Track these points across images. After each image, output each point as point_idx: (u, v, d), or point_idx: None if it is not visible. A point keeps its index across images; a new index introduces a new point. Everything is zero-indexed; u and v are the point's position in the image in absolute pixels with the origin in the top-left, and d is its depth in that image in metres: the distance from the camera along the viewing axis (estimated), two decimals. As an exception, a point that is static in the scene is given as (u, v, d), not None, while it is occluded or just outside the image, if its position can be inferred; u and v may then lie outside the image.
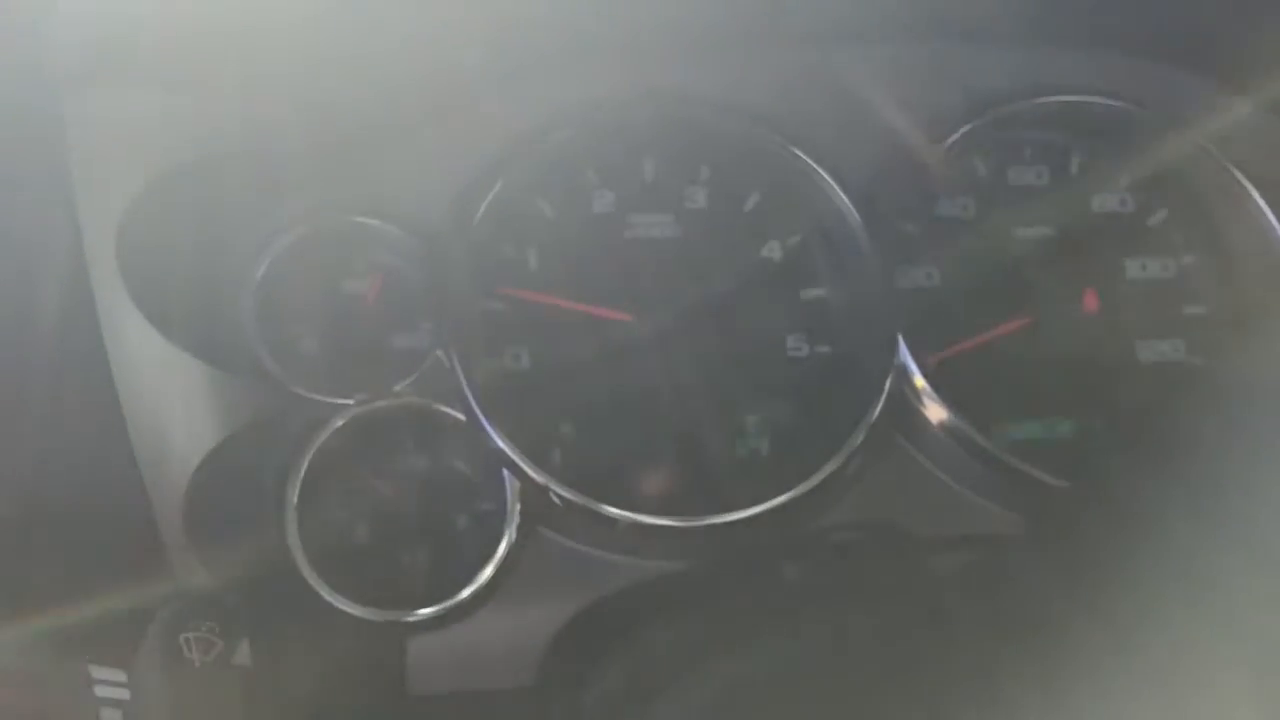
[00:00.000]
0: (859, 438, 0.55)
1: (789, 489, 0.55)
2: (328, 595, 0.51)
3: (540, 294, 0.59)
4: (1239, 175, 0.60)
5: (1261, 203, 0.59)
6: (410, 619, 0.51)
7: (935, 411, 0.56)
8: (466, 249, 0.57)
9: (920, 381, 0.56)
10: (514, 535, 0.53)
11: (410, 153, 0.57)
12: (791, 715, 0.37)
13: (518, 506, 0.53)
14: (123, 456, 0.47)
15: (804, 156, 0.59)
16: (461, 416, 0.54)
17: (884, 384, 0.56)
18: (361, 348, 0.57)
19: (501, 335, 0.59)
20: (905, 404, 0.56)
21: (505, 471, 0.54)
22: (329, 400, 0.54)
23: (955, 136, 0.60)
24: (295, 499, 0.52)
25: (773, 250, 0.61)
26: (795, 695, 0.38)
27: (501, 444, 0.53)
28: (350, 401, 0.54)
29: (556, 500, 0.53)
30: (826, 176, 0.59)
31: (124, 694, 0.31)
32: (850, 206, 0.58)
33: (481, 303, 0.58)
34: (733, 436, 0.58)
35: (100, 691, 0.31)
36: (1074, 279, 0.62)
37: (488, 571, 0.52)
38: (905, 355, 0.56)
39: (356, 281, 0.58)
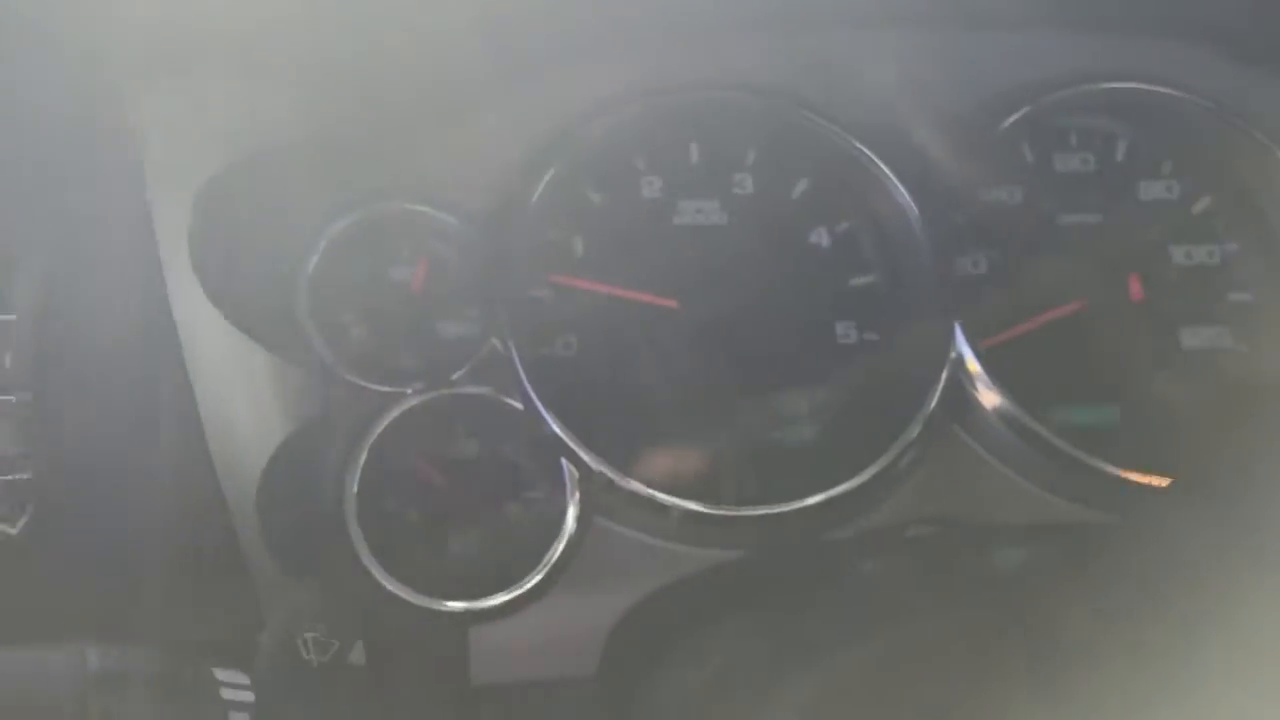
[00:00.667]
0: (916, 426, 0.55)
1: (843, 479, 0.55)
2: (391, 586, 0.50)
3: (589, 281, 0.59)
4: (1285, 159, 0.60)
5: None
6: (476, 608, 0.51)
7: (989, 397, 0.56)
8: (519, 236, 0.56)
9: (975, 366, 0.56)
10: (574, 524, 0.53)
11: (461, 140, 0.57)
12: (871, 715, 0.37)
13: (576, 495, 0.53)
14: (200, 453, 0.46)
15: (855, 142, 0.59)
16: (519, 405, 0.54)
17: (941, 372, 0.56)
18: (410, 336, 0.57)
19: (551, 323, 0.58)
20: (959, 390, 0.56)
21: (563, 460, 0.54)
22: (387, 390, 0.54)
23: (1006, 123, 0.60)
24: (355, 490, 0.52)
25: (821, 237, 0.61)
26: (876, 696, 0.38)
27: (560, 432, 0.53)
28: (408, 391, 0.54)
29: (613, 488, 0.53)
30: (879, 162, 0.58)
31: (249, 696, 0.31)
32: (904, 193, 0.58)
33: (531, 290, 0.58)
34: (783, 425, 0.58)
35: (226, 694, 0.31)
36: (1120, 265, 0.62)
37: (552, 559, 0.52)
38: (961, 341, 0.56)
39: (404, 269, 0.58)
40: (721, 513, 0.53)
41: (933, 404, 0.56)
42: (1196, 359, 0.61)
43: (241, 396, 0.49)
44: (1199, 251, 0.63)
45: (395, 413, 0.53)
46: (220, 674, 0.31)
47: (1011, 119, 0.60)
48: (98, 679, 0.29)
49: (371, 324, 0.57)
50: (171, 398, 0.47)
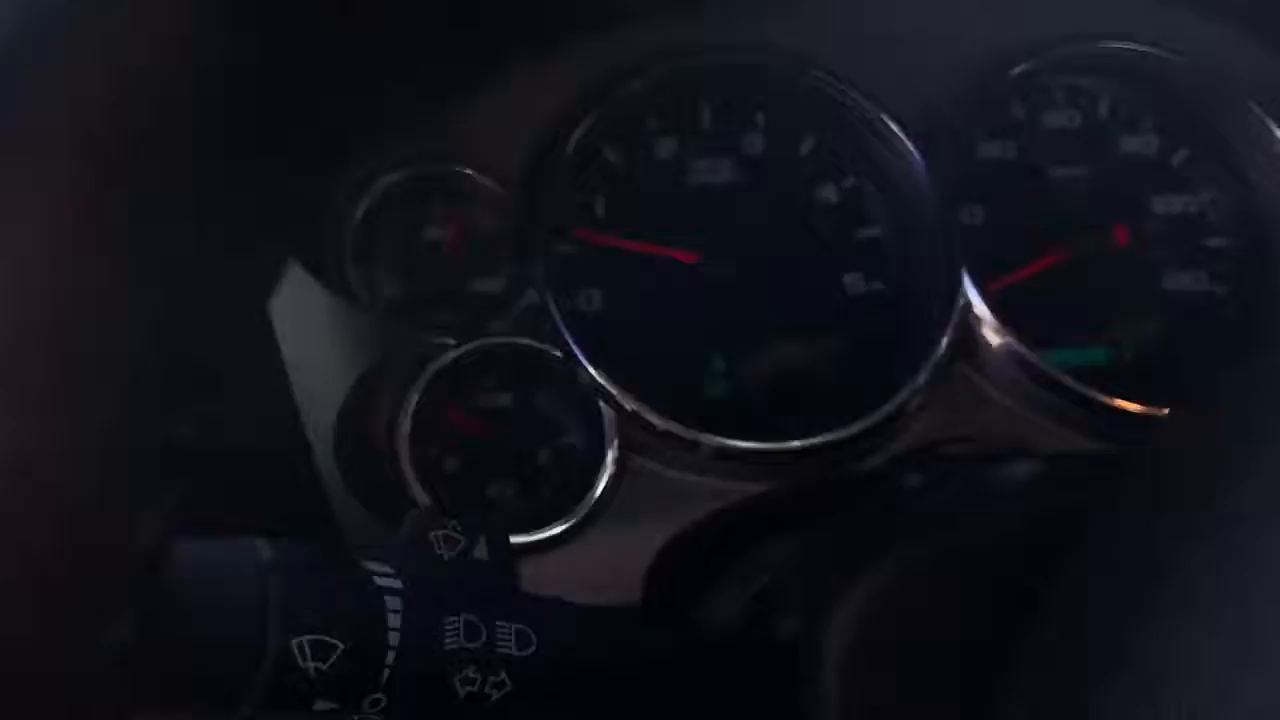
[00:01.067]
0: (928, 366, 0.59)
1: (859, 418, 0.58)
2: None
3: (610, 237, 0.62)
4: (1260, 113, 0.64)
5: (1280, 138, 0.64)
6: (525, 542, 0.54)
7: (996, 337, 0.59)
8: (550, 194, 0.59)
9: (983, 309, 0.59)
10: (613, 464, 0.56)
11: (490, 103, 0.59)
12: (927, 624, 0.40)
13: (615, 438, 0.56)
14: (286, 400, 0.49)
15: (859, 99, 0.62)
16: (557, 353, 0.57)
17: (950, 314, 0.59)
18: (443, 293, 0.60)
19: (576, 278, 0.61)
20: (967, 332, 0.60)
21: (601, 404, 0.56)
22: (433, 340, 0.56)
23: (1006, 78, 0.63)
24: (407, 432, 0.55)
25: (828, 193, 0.64)
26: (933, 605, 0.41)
27: (598, 377, 0.56)
28: (451, 342, 0.56)
29: (649, 429, 0.56)
30: (884, 118, 0.62)
31: (397, 583, 0.34)
32: (910, 145, 0.61)
33: (561, 247, 0.61)
34: (801, 369, 0.62)
35: (380, 581, 0.34)
36: (1106, 215, 0.66)
37: (594, 495, 0.55)
38: (969, 286, 0.60)
39: (435, 228, 0.61)
40: (747, 447, 0.57)
41: (943, 345, 0.59)
42: (1179, 300, 0.66)
43: (316, 343, 0.52)
44: (1178, 201, 0.67)
45: (442, 361, 0.56)
46: (371, 565, 0.34)
47: (1012, 74, 0.63)
48: (270, 565, 0.32)
49: (406, 282, 0.59)
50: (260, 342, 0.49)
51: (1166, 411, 0.58)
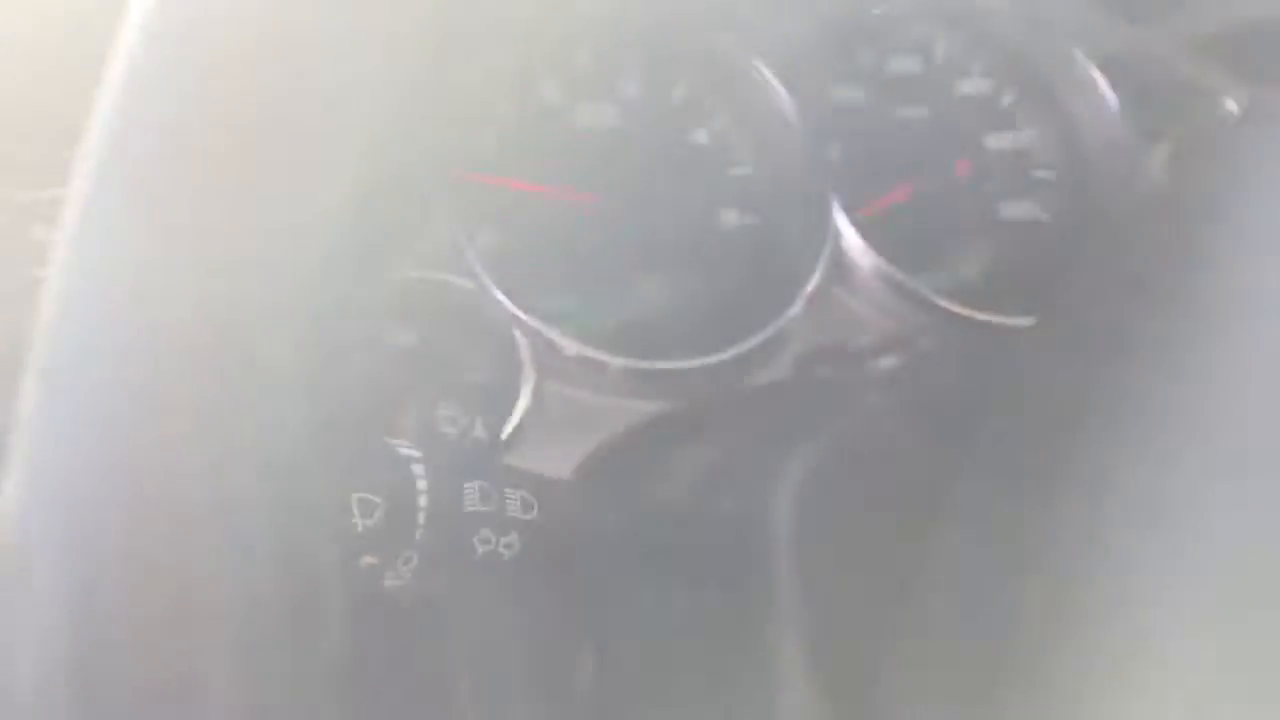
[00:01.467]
0: (803, 292, 0.64)
1: (744, 339, 0.63)
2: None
3: (504, 179, 0.65)
4: (1080, 57, 0.72)
5: (1099, 80, 0.71)
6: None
7: (864, 260, 0.65)
8: (438, 134, 0.62)
9: (852, 235, 0.65)
10: (530, 389, 0.59)
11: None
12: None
13: (530, 366, 0.59)
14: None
15: (729, 45, 0.67)
16: (470, 285, 0.60)
17: (824, 242, 0.64)
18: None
19: (473, 217, 0.64)
20: (838, 258, 0.65)
21: (516, 333, 0.59)
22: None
23: (854, 27, 0.69)
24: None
25: (700, 135, 0.69)
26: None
27: (512, 307, 0.59)
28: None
29: (560, 355, 0.59)
30: (755, 63, 0.67)
31: (416, 453, 0.37)
32: (777, 83, 0.66)
33: (455, 186, 0.63)
34: (692, 297, 0.66)
35: (402, 451, 0.36)
36: (948, 151, 0.72)
37: (515, 418, 0.58)
38: (839, 216, 0.65)
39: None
40: (648, 366, 0.61)
41: (819, 270, 0.64)
42: (1014, 226, 0.73)
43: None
44: (1008, 137, 0.74)
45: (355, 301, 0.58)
46: (393, 441, 0.37)
47: (861, 23, 0.69)
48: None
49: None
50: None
51: (1021, 320, 0.64)
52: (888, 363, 0.58)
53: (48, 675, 0.24)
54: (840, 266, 0.65)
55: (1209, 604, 0.33)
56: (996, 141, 0.74)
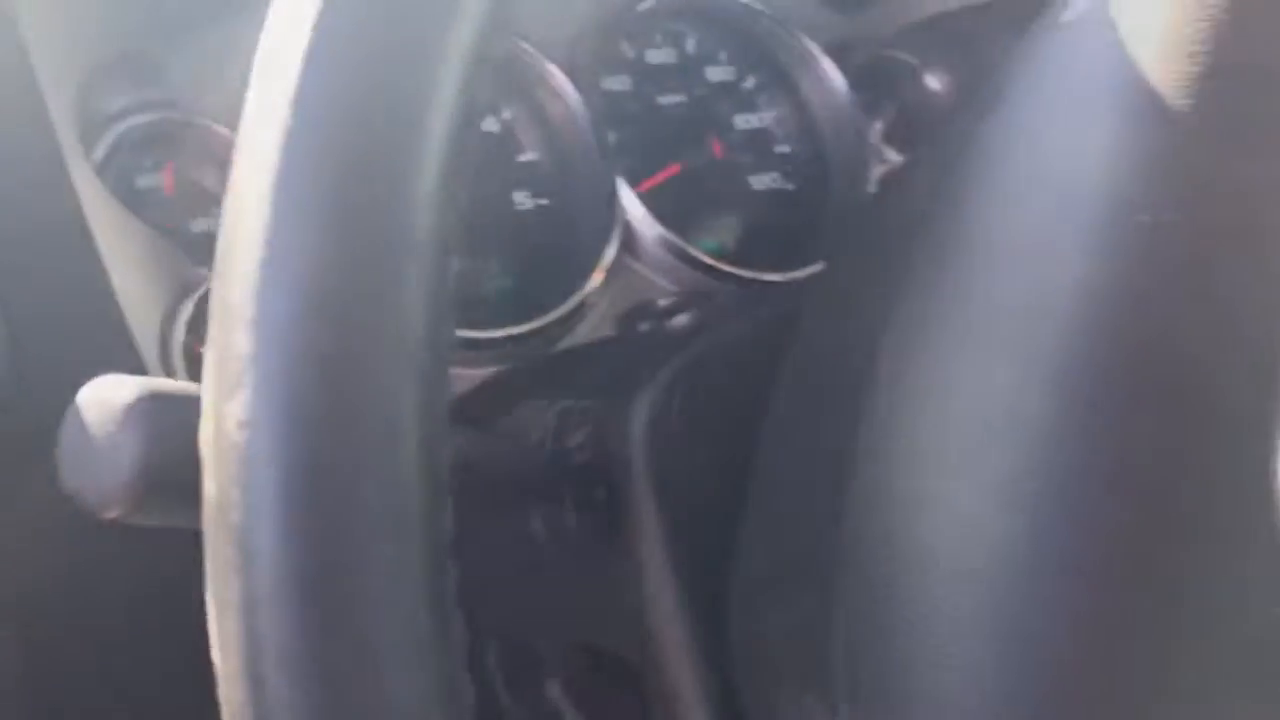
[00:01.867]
0: (603, 259, 0.72)
1: (543, 313, 0.70)
2: None
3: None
4: (809, 45, 0.83)
5: (827, 64, 0.82)
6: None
7: (649, 230, 0.73)
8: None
9: (637, 209, 0.73)
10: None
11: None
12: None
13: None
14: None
15: (516, 43, 0.74)
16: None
17: (614, 216, 0.72)
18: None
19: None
20: (627, 232, 0.73)
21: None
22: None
23: (616, 24, 0.77)
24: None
25: (491, 124, 0.75)
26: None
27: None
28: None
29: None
30: (540, 58, 0.74)
31: None
32: (561, 77, 0.74)
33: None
34: (496, 274, 0.73)
35: None
36: (705, 132, 0.82)
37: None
38: (625, 193, 0.73)
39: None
40: (463, 336, 0.67)
41: (612, 242, 0.72)
42: (766, 196, 0.83)
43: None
44: (753, 118, 0.84)
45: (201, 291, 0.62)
46: None
47: (621, 19, 0.77)
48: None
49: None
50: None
51: (776, 276, 0.74)
52: (685, 319, 0.67)
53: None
54: (629, 237, 0.73)
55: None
56: (743, 122, 0.83)
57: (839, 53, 0.83)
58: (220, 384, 0.29)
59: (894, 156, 0.85)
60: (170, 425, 0.35)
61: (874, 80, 0.84)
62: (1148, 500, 0.36)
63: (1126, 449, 0.35)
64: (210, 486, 0.28)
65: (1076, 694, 0.36)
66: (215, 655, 0.28)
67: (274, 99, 0.30)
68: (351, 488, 0.28)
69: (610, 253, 0.72)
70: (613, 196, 0.73)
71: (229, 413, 0.28)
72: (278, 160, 0.30)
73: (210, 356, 0.29)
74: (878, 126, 0.85)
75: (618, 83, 0.80)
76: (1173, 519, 0.36)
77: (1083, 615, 0.36)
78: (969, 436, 0.38)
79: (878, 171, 0.83)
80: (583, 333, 0.72)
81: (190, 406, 0.32)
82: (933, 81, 0.86)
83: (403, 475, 0.28)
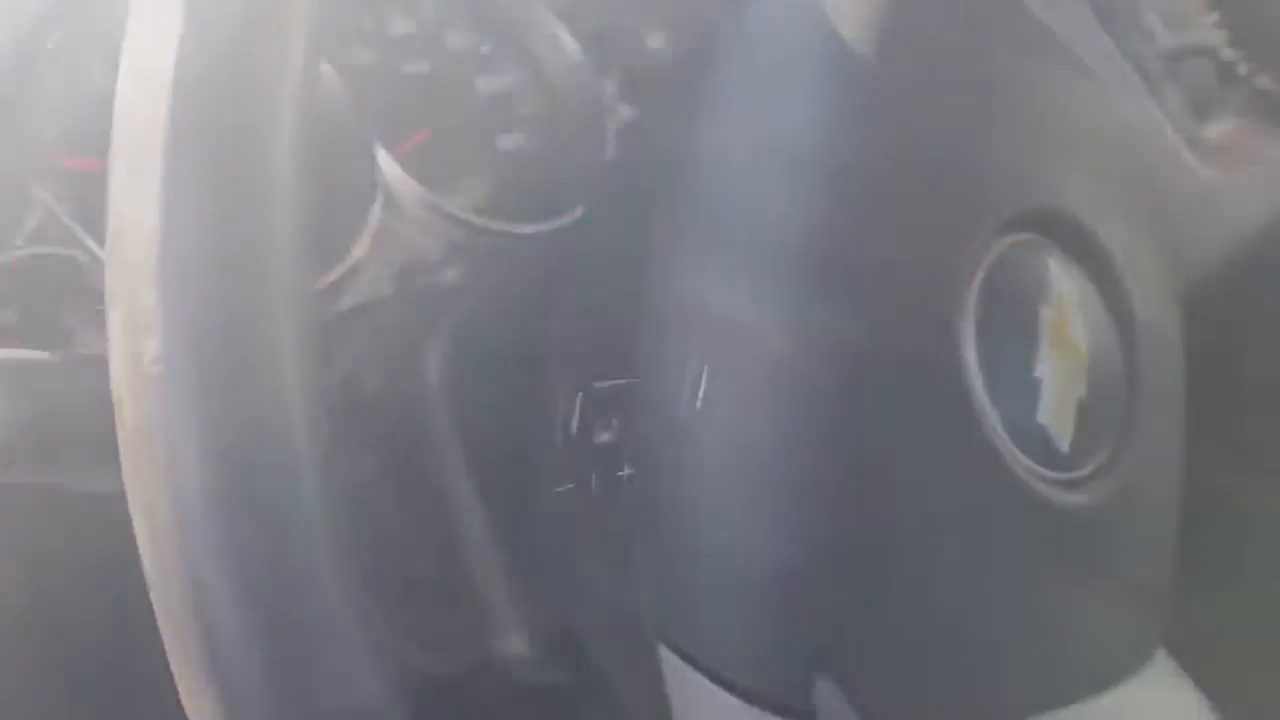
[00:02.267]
0: (370, 225, 0.77)
1: (325, 274, 0.75)
2: None
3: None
4: (542, 9, 0.89)
5: (560, 28, 0.89)
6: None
7: (408, 190, 0.79)
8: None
9: (396, 171, 0.78)
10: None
11: None
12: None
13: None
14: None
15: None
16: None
17: (376, 180, 0.78)
18: None
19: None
20: (389, 195, 0.79)
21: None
22: None
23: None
24: None
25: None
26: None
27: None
28: None
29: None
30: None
31: None
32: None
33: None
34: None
35: None
36: (451, 96, 0.88)
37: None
38: (382, 157, 0.78)
39: None
40: None
41: (378, 207, 0.77)
42: (512, 154, 0.90)
43: None
44: (494, 80, 0.90)
45: None
46: None
47: None
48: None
49: None
50: None
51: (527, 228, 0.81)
52: (454, 272, 0.73)
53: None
54: (391, 199, 0.79)
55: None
56: (484, 85, 0.90)
57: (570, 16, 0.90)
58: (132, 331, 0.35)
59: (628, 112, 0.93)
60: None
61: (601, 42, 0.92)
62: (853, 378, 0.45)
63: (834, 334, 0.44)
64: (129, 415, 0.34)
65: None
66: (146, 563, 0.33)
67: None
68: (252, 405, 0.34)
69: (375, 215, 0.77)
70: (373, 162, 0.78)
71: (145, 351, 0.34)
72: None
73: (118, 311, 0.35)
74: (609, 87, 0.93)
75: (367, 54, 0.84)
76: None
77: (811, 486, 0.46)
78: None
79: (615, 127, 0.91)
80: (380, 287, 0.77)
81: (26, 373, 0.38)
82: (655, 41, 0.94)
83: (287, 391, 0.35)
